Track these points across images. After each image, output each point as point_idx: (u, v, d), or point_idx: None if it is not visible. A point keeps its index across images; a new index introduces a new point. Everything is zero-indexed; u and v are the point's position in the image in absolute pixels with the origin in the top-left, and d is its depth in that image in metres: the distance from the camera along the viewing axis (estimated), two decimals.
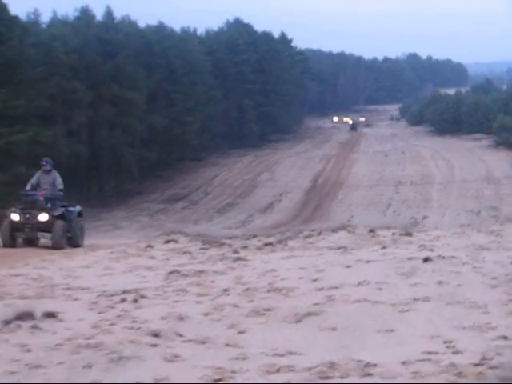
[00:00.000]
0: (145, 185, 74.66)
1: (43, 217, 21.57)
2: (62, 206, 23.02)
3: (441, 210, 62.60)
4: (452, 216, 58.28)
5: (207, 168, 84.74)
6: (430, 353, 7.78)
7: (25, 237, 21.97)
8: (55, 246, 20.81)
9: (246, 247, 19.41)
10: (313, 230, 30.03)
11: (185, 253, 18.37)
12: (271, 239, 22.75)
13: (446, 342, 8.20)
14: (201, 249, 19.25)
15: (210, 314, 10.24)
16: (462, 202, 64.92)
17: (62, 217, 22.12)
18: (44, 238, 22.06)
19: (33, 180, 22.96)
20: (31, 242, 22.07)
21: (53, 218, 21.60)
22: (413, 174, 79.65)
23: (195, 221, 59.50)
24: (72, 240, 22.16)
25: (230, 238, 26.18)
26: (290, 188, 73.99)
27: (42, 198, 22.02)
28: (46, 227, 21.51)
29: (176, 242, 21.57)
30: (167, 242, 21.64)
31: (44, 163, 22.85)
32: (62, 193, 22.78)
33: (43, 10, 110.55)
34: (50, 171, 22.81)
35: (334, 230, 25.33)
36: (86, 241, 23.91)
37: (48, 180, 22.65)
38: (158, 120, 75.30)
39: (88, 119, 67.75)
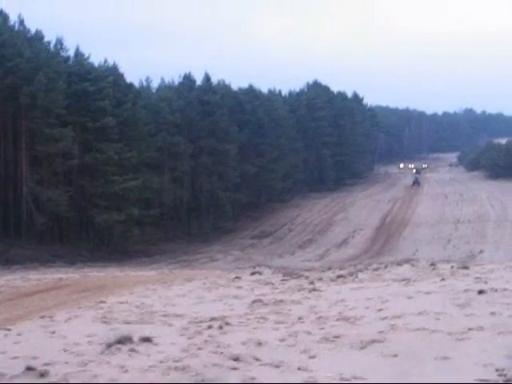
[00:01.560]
0: (237, 223, 74.86)
1: None
2: None
3: (495, 245, 60.75)
4: (505, 251, 56.39)
5: (290, 209, 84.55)
6: (482, 380, 7.35)
7: None
8: None
9: (321, 279, 19.04)
10: (381, 264, 29.51)
11: (267, 283, 18.08)
12: (344, 272, 22.33)
13: (497, 370, 7.76)
14: (281, 280, 18.96)
15: (286, 339, 10.00)
16: None
17: None
18: None
19: None
20: None
21: None
22: (470, 213, 77.83)
23: (280, 254, 59.05)
24: None
25: (308, 270, 25.86)
26: (362, 226, 73.09)
27: None
28: None
29: (260, 273, 21.35)
30: (253, 273, 21.42)
31: None
32: None
33: (154, 77, 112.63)
34: None
35: (399, 264, 24.81)
36: (186, 270, 23.58)
37: None
38: (249, 168, 75.70)
39: (189, 168, 68.54)
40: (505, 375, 7.53)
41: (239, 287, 17.36)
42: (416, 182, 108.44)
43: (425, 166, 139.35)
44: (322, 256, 57.62)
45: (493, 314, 11.07)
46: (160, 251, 59.17)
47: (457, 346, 9.09)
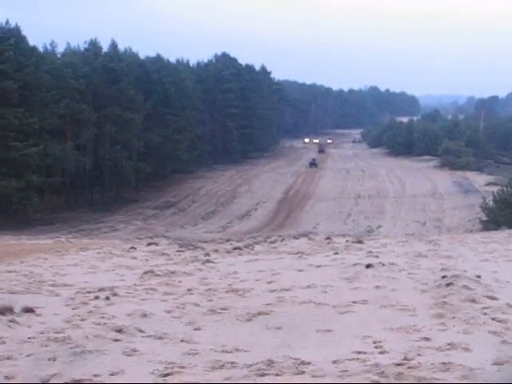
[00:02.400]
0: (141, 193, 74.25)
1: None
2: None
3: (393, 221, 62.42)
4: (402, 226, 58.09)
5: (195, 180, 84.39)
6: (359, 352, 7.47)
7: None
8: None
9: (216, 250, 18.97)
10: (280, 236, 29.73)
11: (163, 254, 17.90)
12: (241, 244, 22.32)
13: (375, 343, 7.90)
14: (177, 251, 18.80)
15: (172, 311, 9.90)
16: (410, 214, 64.81)
17: None
18: None
19: None
20: None
21: None
22: (370, 189, 79.62)
23: (182, 225, 59.00)
24: None
25: (206, 241, 25.76)
26: (265, 199, 73.72)
27: None
28: None
29: (157, 244, 21.09)
30: (149, 244, 21.14)
31: None
32: None
33: (59, 41, 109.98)
34: None
35: (296, 237, 25.00)
36: (84, 239, 23.12)
37: None
38: (154, 137, 75.00)
39: (93, 136, 67.39)
40: (381, 347, 7.69)
41: (134, 257, 17.12)
42: (313, 164, 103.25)
43: (329, 141, 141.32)
44: (224, 228, 57.88)
45: (377, 287, 11.29)
46: (61, 220, 58.17)
47: (339, 319, 9.22)
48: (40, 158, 55.74)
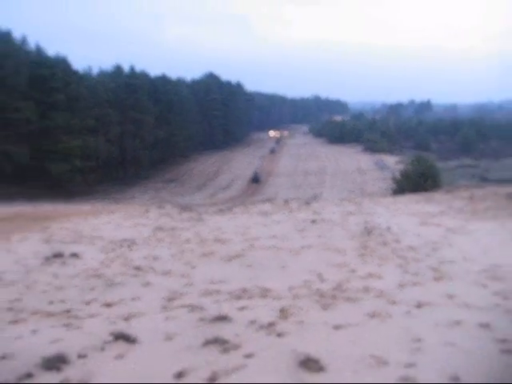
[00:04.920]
0: (151, 172, 73.53)
1: None
2: None
3: (331, 189, 62.48)
4: (337, 192, 58.10)
5: (190, 162, 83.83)
6: (306, 281, 7.53)
7: None
8: None
9: (206, 212, 18.86)
10: (252, 201, 29.65)
11: (168, 215, 17.76)
12: (223, 207, 22.21)
13: (318, 275, 7.96)
14: (178, 213, 18.66)
15: (175, 255, 9.87)
16: (343, 184, 64.91)
17: None
18: None
19: None
20: None
21: None
22: (314, 167, 79.60)
23: (182, 194, 58.57)
24: None
25: (199, 205, 25.60)
26: (240, 175, 73.41)
27: None
28: None
29: (164, 208, 20.89)
30: (158, 208, 20.96)
31: None
32: None
33: (94, 64, 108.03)
34: None
35: (262, 201, 24.90)
36: (112, 205, 22.65)
37: None
38: (160, 133, 74.26)
39: (118, 132, 66.56)
40: (322, 277, 7.75)
41: (148, 218, 16.98)
42: (255, 180, 67.18)
43: (286, 132, 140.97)
44: (211, 196, 57.64)
45: (319, 236, 11.34)
46: (96, 192, 57.48)
47: (293, 259, 9.26)
48: (81, 148, 54.94)
